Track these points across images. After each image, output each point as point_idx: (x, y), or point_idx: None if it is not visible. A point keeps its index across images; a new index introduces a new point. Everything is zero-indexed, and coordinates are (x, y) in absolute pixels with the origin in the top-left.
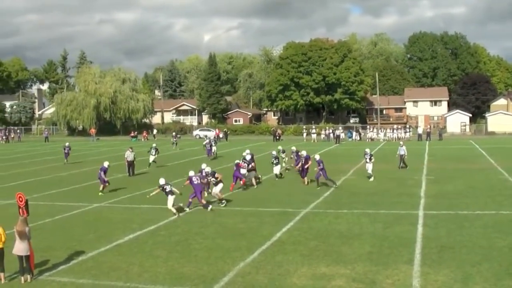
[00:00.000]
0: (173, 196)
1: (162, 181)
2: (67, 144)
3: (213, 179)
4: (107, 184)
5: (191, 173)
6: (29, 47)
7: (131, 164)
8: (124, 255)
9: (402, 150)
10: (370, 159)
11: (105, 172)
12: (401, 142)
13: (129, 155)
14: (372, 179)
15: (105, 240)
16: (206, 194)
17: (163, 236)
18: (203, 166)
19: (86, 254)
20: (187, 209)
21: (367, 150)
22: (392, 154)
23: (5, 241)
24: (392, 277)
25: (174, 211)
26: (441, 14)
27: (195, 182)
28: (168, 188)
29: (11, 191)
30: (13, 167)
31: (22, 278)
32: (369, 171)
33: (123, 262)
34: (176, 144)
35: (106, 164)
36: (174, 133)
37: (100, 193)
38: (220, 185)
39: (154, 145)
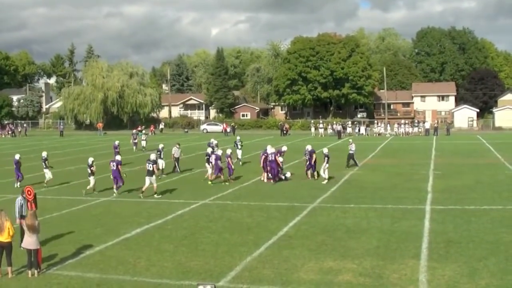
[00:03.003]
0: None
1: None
2: (116, 142)
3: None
4: (219, 174)
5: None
6: (36, 41)
7: (177, 161)
8: (132, 249)
9: (352, 148)
10: (327, 160)
11: (220, 160)
12: (350, 140)
13: (176, 151)
14: (324, 182)
15: (113, 234)
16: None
17: (170, 230)
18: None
19: (94, 248)
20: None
21: (325, 151)
22: (399, 149)
23: (13, 235)
24: (399, 271)
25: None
26: (449, 8)
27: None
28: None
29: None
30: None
31: (29, 272)
32: (325, 174)
33: (130, 256)
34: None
35: (219, 152)
36: (134, 131)
37: (210, 183)
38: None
39: (161, 146)
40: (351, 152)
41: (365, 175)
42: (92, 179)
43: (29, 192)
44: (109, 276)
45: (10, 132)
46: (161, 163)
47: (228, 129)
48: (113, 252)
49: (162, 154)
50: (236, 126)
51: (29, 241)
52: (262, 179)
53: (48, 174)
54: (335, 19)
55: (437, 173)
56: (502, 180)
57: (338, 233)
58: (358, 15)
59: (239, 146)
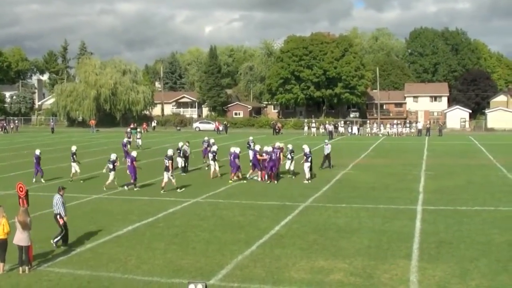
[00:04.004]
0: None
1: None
2: (125, 140)
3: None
4: (239, 172)
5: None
6: (29, 37)
7: (187, 159)
8: (123, 246)
9: (328, 149)
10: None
11: (238, 158)
12: (326, 141)
13: (186, 150)
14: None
15: (104, 231)
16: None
17: (161, 228)
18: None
19: (85, 246)
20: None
21: (306, 149)
22: (391, 149)
23: (8, 233)
24: (390, 271)
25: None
26: (443, 9)
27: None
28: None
29: (10, 182)
30: (12, 158)
31: (21, 269)
32: (306, 174)
33: (121, 253)
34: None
35: (237, 150)
36: (129, 129)
37: (230, 181)
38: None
39: (180, 144)
40: (326, 152)
41: (357, 175)
42: (112, 175)
43: (21, 189)
44: (99, 273)
45: (2, 129)
46: (180, 161)
47: (221, 128)
48: (104, 250)
49: (181, 152)
50: (228, 125)
51: (20, 238)
52: (249, 176)
53: (75, 167)
54: (329, 19)
55: (429, 174)
56: (494, 181)
57: (330, 232)
58: (352, 15)
59: (252, 146)
